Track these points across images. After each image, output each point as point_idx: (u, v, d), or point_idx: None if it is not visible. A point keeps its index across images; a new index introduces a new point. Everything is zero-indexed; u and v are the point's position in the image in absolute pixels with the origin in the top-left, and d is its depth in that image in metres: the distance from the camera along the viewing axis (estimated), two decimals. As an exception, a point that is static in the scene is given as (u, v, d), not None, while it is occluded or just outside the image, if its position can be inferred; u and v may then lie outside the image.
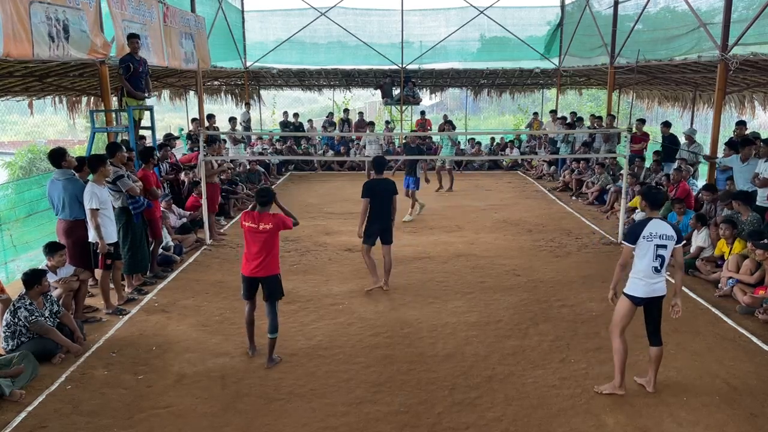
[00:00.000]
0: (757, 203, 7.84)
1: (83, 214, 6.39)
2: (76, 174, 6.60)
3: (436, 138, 14.58)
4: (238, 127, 15.79)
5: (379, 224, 7.02)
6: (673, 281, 5.14)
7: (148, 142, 9.37)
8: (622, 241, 4.58)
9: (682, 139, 12.19)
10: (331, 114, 19.43)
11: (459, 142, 18.22)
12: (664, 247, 4.49)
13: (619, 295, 4.70)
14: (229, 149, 14.28)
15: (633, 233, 4.54)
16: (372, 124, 17.45)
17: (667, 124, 12.38)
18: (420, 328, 6.09)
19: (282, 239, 9.41)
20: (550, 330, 6.00)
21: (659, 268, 4.51)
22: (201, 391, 4.89)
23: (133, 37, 8.55)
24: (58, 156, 6.47)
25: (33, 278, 5.42)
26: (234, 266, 6.40)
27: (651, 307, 4.66)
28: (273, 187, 14.44)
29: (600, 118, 15.30)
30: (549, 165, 16.02)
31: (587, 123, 15.76)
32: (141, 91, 8.65)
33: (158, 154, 8.74)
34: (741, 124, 10.13)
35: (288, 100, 33.43)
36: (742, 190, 8.15)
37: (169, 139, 11.40)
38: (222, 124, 16.75)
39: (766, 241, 6.48)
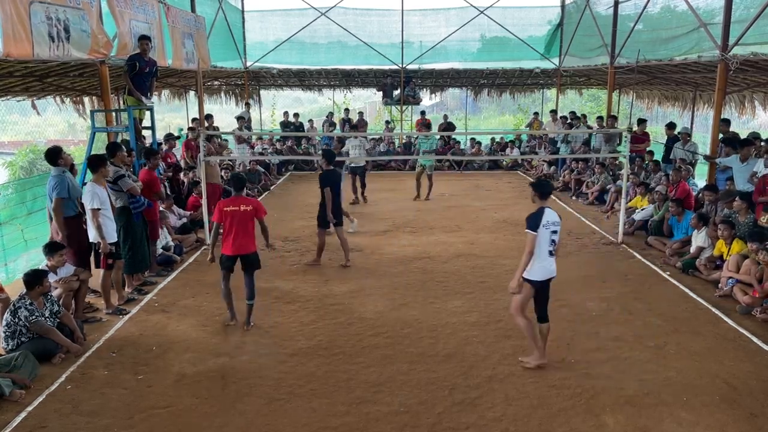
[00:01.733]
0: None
1: (65, 211, 6.39)
2: (68, 172, 6.56)
3: (422, 139, 13.26)
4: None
5: (333, 209, 7.92)
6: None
7: (148, 142, 9.37)
8: (528, 230, 4.97)
9: (680, 139, 12.18)
10: (331, 114, 19.43)
11: (458, 142, 18.23)
12: (555, 232, 5.04)
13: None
14: (234, 149, 14.30)
15: (534, 222, 4.95)
16: (365, 124, 17.09)
17: (671, 126, 12.36)
18: (420, 328, 6.10)
19: (282, 239, 9.52)
20: (550, 330, 5.98)
21: (553, 251, 5.06)
22: (201, 391, 4.89)
23: (143, 39, 8.57)
24: (54, 154, 6.47)
25: (34, 278, 5.42)
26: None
27: (544, 288, 5.14)
28: (273, 187, 14.50)
29: (600, 118, 15.31)
30: (549, 165, 16.03)
31: (591, 122, 15.67)
32: (143, 91, 8.66)
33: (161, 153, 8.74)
34: (724, 122, 10.09)
35: (288, 100, 33.43)
36: (741, 190, 8.15)
37: (168, 138, 11.41)
38: (223, 124, 16.76)
39: None
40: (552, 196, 5.17)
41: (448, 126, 18.32)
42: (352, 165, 11.90)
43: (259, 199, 13.12)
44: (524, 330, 5.17)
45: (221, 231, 6.06)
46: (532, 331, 5.14)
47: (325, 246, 8.72)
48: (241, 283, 6.13)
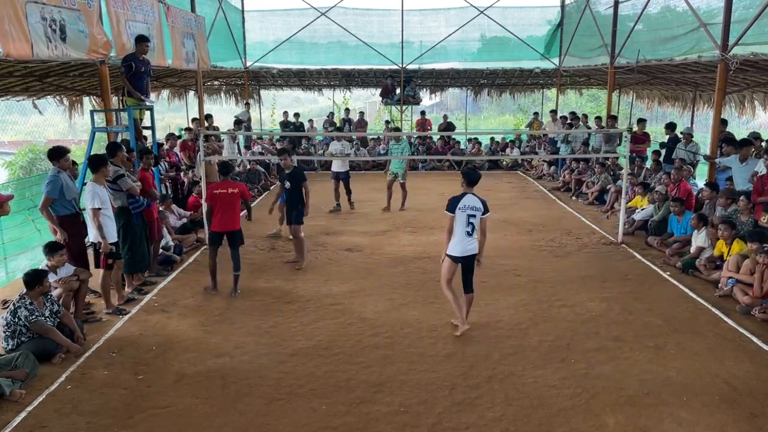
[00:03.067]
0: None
1: (59, 210, 6.40)
2: (63, 173, 6.52)
3: (393, 144, 11.91)
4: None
5: (299, 206, 8.13)
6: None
7: (148, 142, 9.37)
8: (445, 211, 5.73)
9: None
10: (331, 114, 19.44)
11: (458, 142, 18.19)
12: (474, 216, 5.67)
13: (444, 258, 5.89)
14: (226, 148, 14.29)
15: (452, 205, 5.68)
16: (365, 125, 16.70)
17: (670, 126, 12.35)
18: (420, 328, 6.10)
19: (281, 238, 9.52)
20: (550, 330, 6.00)
21: (470, 232, 5.68)
22: (201, 391, 4.89)
23: (142, 40, 8.53)
24: (57, 154, 6.46)
25: (34, 278, 5.42)
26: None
27: (466, 264, 5.84)
28: (272, 187, 14.49)
29: (599, 118, 15.31)
30: (549, 165, 16.02)
31: (590, 123, 15.66)
32: (142, 91, 8.65)
33: (161, 151, 8.69)
34: (720, 122, 10.07)
35: (288, 100, 33.41)
36: (742, 190, 8.15)
37: (170, 138, 11.40)
38: (222, 124, 16.75)
39: None
40: (479, 184, 5.88)
41: (447, 126, 18.33)
42: (334, 170, 11.56)
43: (259, 199, 13.15)
44: (450, 301, 5.90)
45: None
46: (456, 302, 5.84)
47: (325, 245, 8.76)
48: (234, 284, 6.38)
